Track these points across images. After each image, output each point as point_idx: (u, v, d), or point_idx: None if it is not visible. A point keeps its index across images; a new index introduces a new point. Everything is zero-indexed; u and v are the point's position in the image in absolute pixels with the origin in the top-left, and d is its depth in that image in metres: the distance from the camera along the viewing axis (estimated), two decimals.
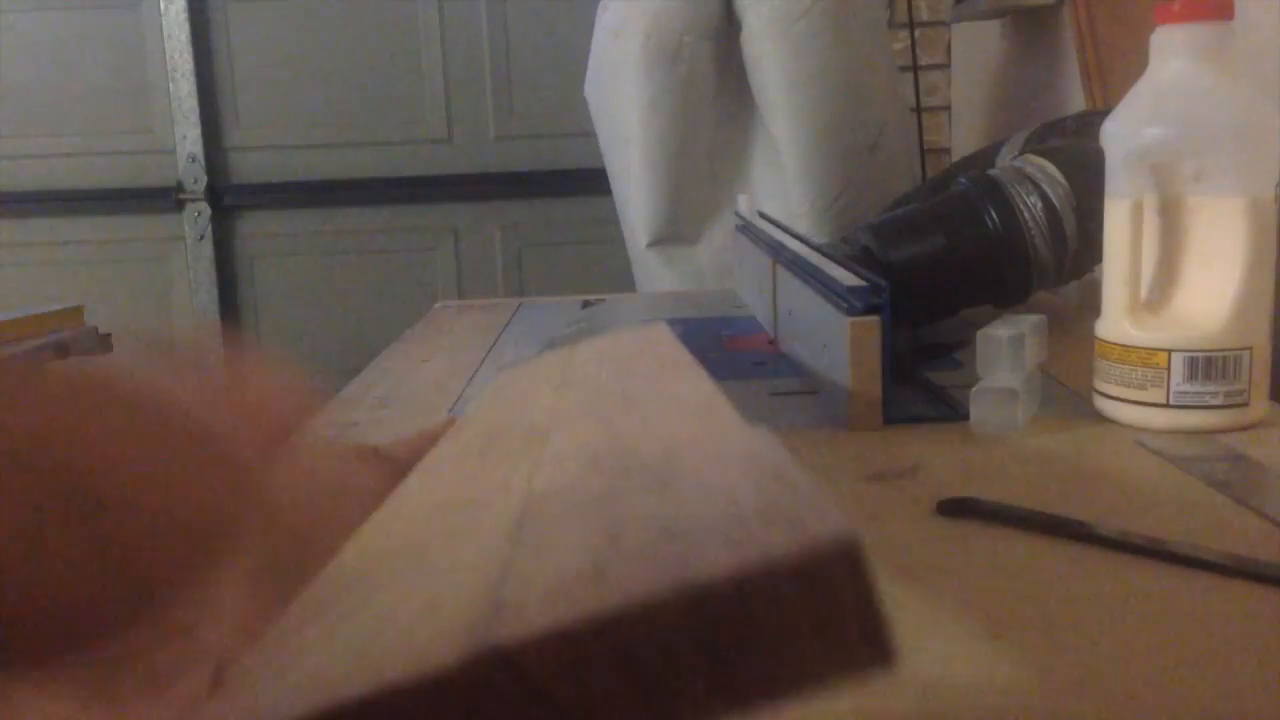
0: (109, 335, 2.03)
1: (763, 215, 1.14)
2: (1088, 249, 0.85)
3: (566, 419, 0.32)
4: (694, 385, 0.33)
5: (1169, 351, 0.65)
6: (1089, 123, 0.97)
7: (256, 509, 0.27)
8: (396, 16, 2.36)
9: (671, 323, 1.09)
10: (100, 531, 0.24)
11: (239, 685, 0.23)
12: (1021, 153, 0.93)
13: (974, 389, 0.67)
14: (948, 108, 2.17)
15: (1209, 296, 0.65)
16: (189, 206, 2.40)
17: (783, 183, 1.50)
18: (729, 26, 1.48)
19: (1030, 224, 0.84)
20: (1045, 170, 0.85)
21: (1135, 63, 0.68)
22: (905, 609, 0.44)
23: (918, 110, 2.03)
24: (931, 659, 0.40)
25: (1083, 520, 0.51)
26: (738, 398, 0.79)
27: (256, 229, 2.44)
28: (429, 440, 0.37)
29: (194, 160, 2.38)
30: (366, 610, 0.23)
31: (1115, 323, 0.67)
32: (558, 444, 0.30)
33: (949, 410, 0.72)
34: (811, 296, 0.78)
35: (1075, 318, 0.97)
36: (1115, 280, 0.67)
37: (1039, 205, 0.84)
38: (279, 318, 2.46)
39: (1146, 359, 0.65)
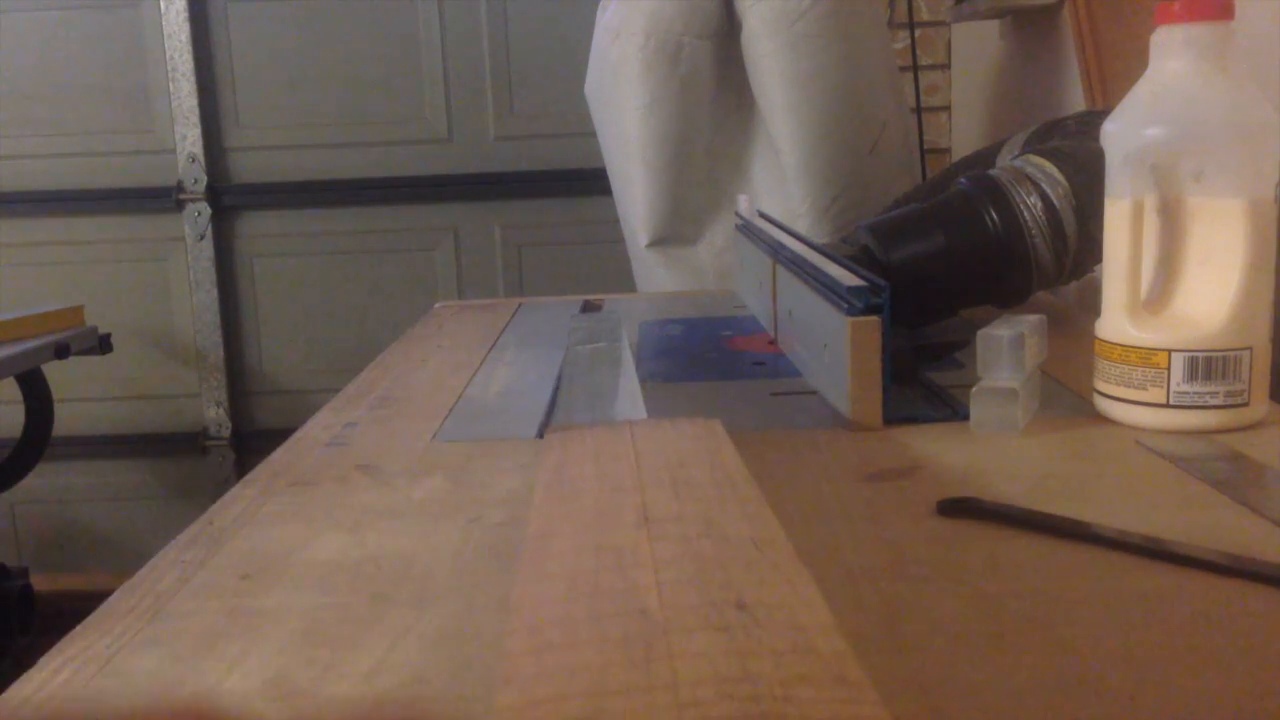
0: (109, 335, 2.03)
1: (763, 215, 1.14)
2: (1088, 249, 0.85)
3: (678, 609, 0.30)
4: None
5: (1169, 351, 0.65)
6: (1089, 123, 0.97)
7: None
8: (396, 16, 2.36)
9: (671, 323, 1.09)
10: None
11: None
12: (1021, 153, 0.93)
13: (974, 389, 0.67)
14: (948, 108, 2.17)
15: (1209, 296, 0.65)
16: (189, 206, 2.40)
17: (783, 183, 1.50)
18: (729, 27, 1.48)
19: (1030, 224, 0.84)
20: (1045, 170, 0.85)
21: (1135, 63, 0.68)
22: (905, 609, 0.44)
23: (918, 110, 2.03)
24: (931, 659, 0.40)
25: (1083, 520, 0.51)
26: (738, 398, 0.80)
27: (256, 229, 2.44)
28: None
29: (194, 160, 2.38)
30: None
31: (1115, 323, 0.67)
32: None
33: (949, 410, 0.72)
34: (811, 296, 0.78)
35: (1075, 318, 0.97)
36: (1115, 280, 0.67)
37: (1039, 205, 0.84)
38: (279, 318, 2.46)
39: (1146, 359, 0.65)
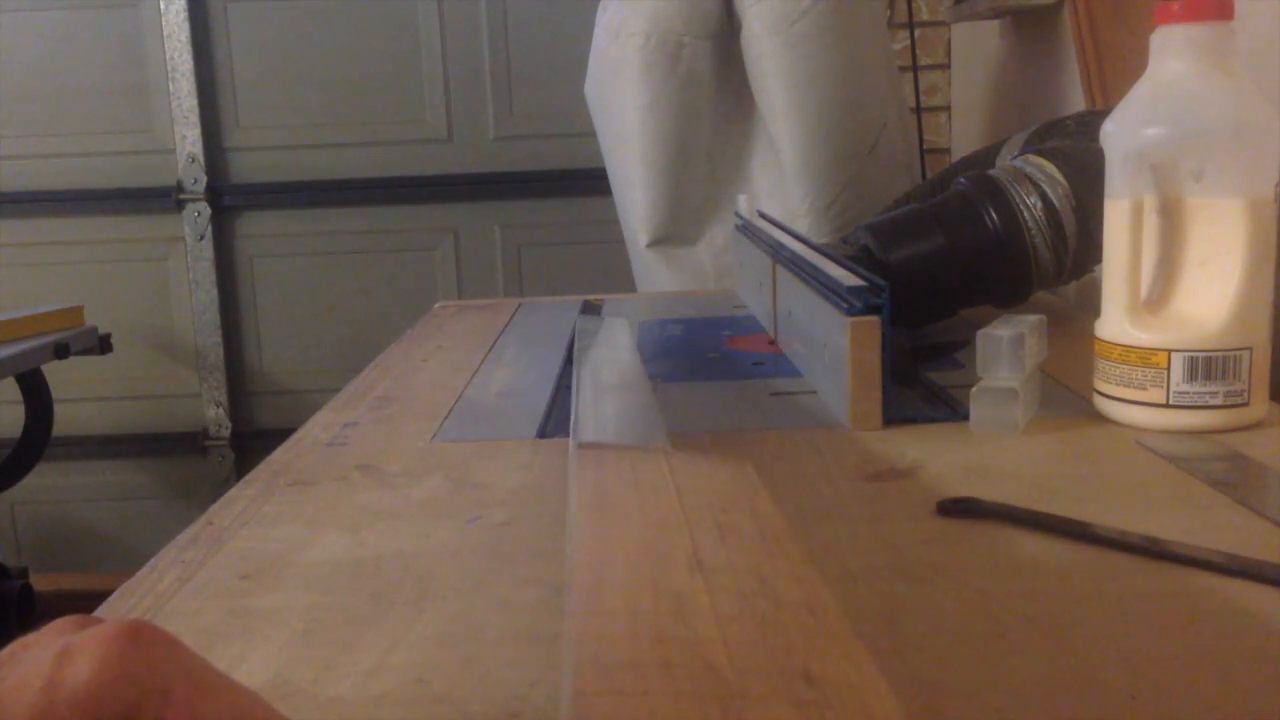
0: (109, 335, 2.03)
1: (763, 215, 1.14)
2: (1088, 249, 0.85)
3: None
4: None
5: (1169, 351, 0.65)
6: (1089, 123, 0.97)
7: None
8: (396, 16, 2.36)
9: (671, 323, 1.09)
10: None
11: None
12: (1021, 153, 0.93)
13: (974, 389, 0.67)
14: (948, 108, 2.17)
15: (1209, 296, 0.65)
16: (189, 206, 2.40)
17: (783, 183, 1.50)
18: (729, 26, 1.48)
19: (1030, 224, 0.84)
20: (1045, 170, 0.85)
21: (1135, 63, 0.68)
22: (905, 609, 0.44)
23: (918, 110, 2.03)
24: (931, 659, 0.40)
25: (1083, 520, 0.51)
26: (737, 398, 0.80)
27: (256, 229, 2.44)
28: None
29: (194, 160, 2.38)
30: None
31: (1115, 323, 0.67)
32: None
33: (949, 410, 0.72)
34: (811, 296, 0.78)
35: (1075, 318, 0.97)
36: (1115, 280, 0.67)
37: (1039, 205, 0.84)
38: (279, 318, 2.46)
39: (1146, 359, 0.65)
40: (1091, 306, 0.72)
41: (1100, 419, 0.69)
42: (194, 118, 2.37)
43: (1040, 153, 0.88)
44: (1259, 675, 0.38)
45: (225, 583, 0.50)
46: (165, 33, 2.35)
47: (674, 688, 0.27)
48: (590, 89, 1.60)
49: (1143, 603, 0.44)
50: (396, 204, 2.42)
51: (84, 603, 0.48)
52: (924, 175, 1.73)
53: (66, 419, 2.21)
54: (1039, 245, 0.84)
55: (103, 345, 2.00)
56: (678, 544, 0.35)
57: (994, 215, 0.84)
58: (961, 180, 0.89)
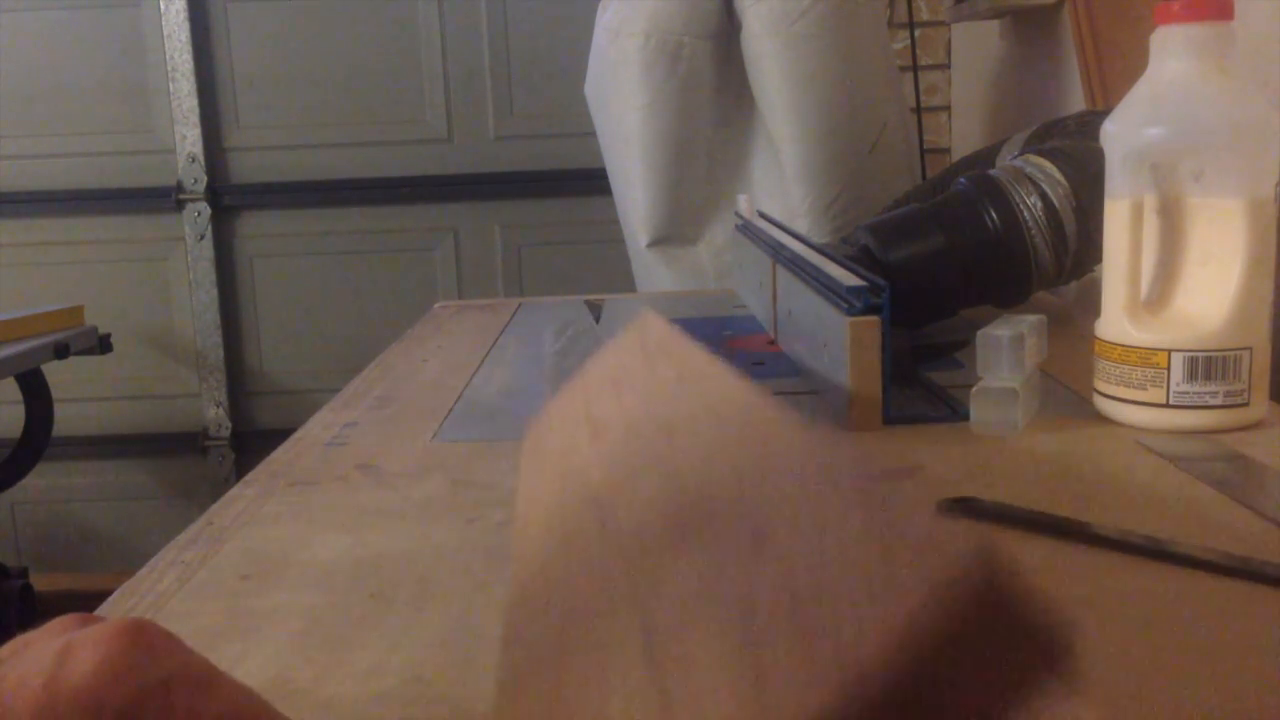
0: (109, 335, 2.03)
1: (763, 215, 1.14)
2: (1088, 249, 0.85)
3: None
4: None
5: (1169, 351, 0.65)
6: (1089, 123, 0.97)
7: None
8: (396, 16, 2.36)
9: (671, 323, 1.09)
10: None
11: None
12: (1021, 153, 0.93)
13: (974, 389, 0.67)
14: (948, 108, 2.17)
15: (1209, 296, 0.65)
16: (189, 206, 2.40)
17: (783, 183, 1.50)
18: (729, 26, 1.48)
19: (1030, 224, 0.84)
20: (1045, 170, 0.85)
21: (1135, 63, 0.68)
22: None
23: (918, 110, 2.03)
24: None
25: (1083, 520, 0.51)
26: None
27: (256, 229, 2.44)
28: None
29: (194, 160, 2.38)
30: None
31: (1115, 323, 0.67)
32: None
33: (949, 410, 0.72)
34: (811, 296, 0.78)
35: (1075, 318, 0.97)
36: (1115, 280, 0.67)
37: (1039, 205, 0.84)
38: (279, 318, 2.46)
39: (1146, 359, 0.65)
40: (1091, 306, 0.72)
41: (1100, 419, 0.69)
42: (194, 118, 2.37)
43: (1040, 153, 0.88)
44: (1259, 675, 0.38)
45: (225, 583, 0.50)
46: (165, 33, 2.35)
47: (573, 519, 0.29)
48: (590, 89, 1.60)
49: (1143, 603, 0.44)
50: (396, 204, 2.42)
51: (84, 603, 0.48)
52: (924, 175, 1.73)
53: (66, 419, 2.21)
54: (1039, 245, 0.84)
55: (103, 345, 2.00)
56: (577, 422, 0.37)
57: (994, 215, 0.84)
58: (961, 180, 0.89)
